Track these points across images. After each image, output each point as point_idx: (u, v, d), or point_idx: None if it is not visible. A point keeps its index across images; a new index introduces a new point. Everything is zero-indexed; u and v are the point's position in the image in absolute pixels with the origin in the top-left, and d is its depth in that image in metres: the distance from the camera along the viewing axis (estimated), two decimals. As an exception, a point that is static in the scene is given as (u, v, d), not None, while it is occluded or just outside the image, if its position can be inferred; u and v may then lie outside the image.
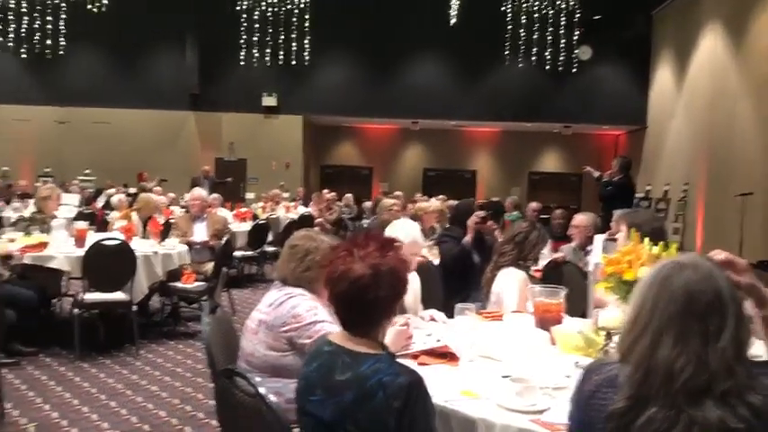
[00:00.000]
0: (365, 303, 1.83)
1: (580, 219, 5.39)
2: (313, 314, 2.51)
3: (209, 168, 16.55)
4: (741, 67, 13.16)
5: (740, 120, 13.04)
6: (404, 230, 3.34)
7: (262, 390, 1.93)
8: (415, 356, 2.55)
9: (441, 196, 14.17)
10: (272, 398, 2.45)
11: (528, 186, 20.47)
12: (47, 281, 5.84)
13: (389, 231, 3.36)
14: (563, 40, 17.27)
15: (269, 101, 17.96)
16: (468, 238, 5.17)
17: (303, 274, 2.65)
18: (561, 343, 2.71)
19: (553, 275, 4.74)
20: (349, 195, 14.88)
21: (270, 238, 9.58)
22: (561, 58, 17.38)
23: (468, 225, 5.17)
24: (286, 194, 14.81)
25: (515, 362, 2.49)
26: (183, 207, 10.14)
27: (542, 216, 9.24)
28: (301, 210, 13.45)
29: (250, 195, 14.65)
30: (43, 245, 5.58)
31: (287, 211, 12.14)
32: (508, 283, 3.64)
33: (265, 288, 8.83)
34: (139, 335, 5.65)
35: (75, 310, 5.32)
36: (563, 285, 4.75)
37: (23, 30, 17.09)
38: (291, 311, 2.54)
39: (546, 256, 4.59)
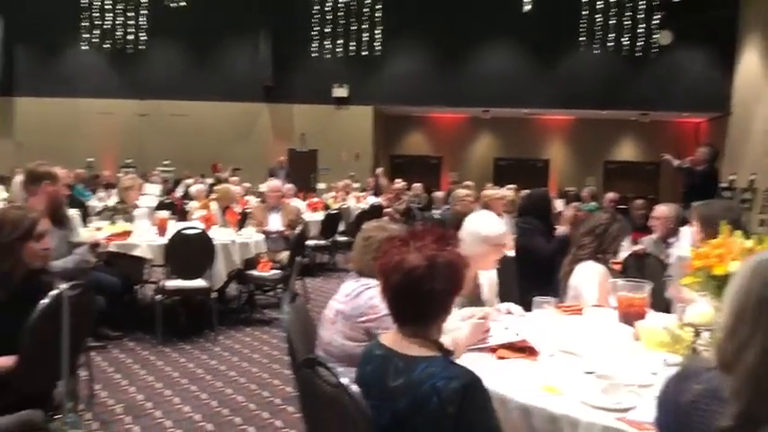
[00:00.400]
0: (420, 296, 1.77)
1: (662, 210, 5.19)
2: (390, 305, 2.51)
3: (285, 159, 16.82)
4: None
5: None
6: (487, 223, 3.25)
7: (344, 380, 1.92)
8: (493, 350, 2.52)
9: (511, 186, 13.97)
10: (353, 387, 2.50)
11: (603, 176, 19.91)
12: (130, 268, 6.08)
13: (469, 224, 3.30)
14: (642, 25, 16.68)
15: (340, 92, 18.09)
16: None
17: None
18: (646, 339, 2.61)
19: (634, 268, 4.61)
20: (418, 185, 14.84)
21: (341, 227, 9.67)
22: (640, 43, 16.80)
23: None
24: (356, 185, 14.90)
25: (598, 357, 2.42)
26: (258, 197, 10.34)
27: (620, 206, 8.96)
28: (371, 200, 13.52)
29: (321, 186, 14.80)
30: (127, 233, 5.79)
31: (357, 202, 12.22)
32: (587, 277, 3.54)
33: (337, 277, 9.01)
34: (218, 321, 5.81)
35: (158, 297, 5.52)
36: (644, 278, 4.66)
37: (107, 25, 17.80)
38: (369, 302, 2.55)
39: (626, 248, 4.46)
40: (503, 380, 2.18)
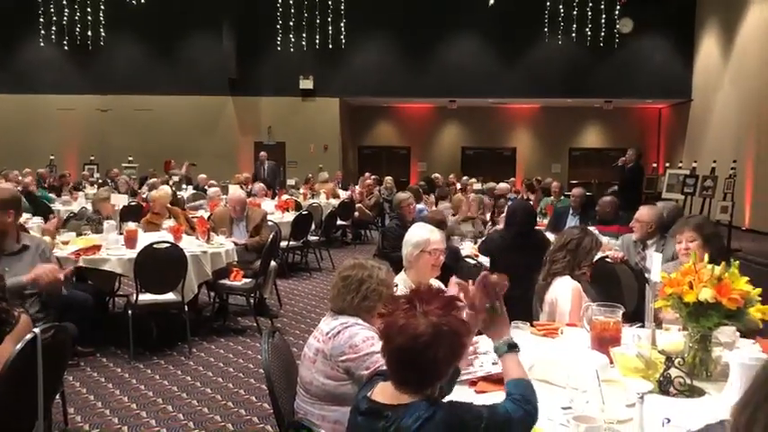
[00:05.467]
0: (422, 362, 1.78)
1: (643, 213, 5.26)
2: (370, 344, 2.52)
3: (266, 154, 16.39)
4: (793, 38, 12.67)
5: (792, 93, 12.60)
6: (419, 230, 3.51)
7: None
8: (473, 383, 2.55)
9: (473, 180, 14.07)
10: (332, 425, 2.51)
11: (569, 163, 20.18)
12: (102, 281, 6.01)
13: (411, 236, 3.46)
14: (604, 14, 16.87)
15: (306, 84, 17.98)
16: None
17: (362, 303, 2.64)
18: (620, 365, 2.67)
19: (603, 274, 4.67)
20: (389, 178, 14.88)
21: (312, 227, 9.63)
22: (602, 33, 16.99)
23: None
24: (325, 174, 14.78)
25: (575, 389, 2.46)
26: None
27: (588, 194, 9.12)
28: (341, 194, 13.48)
29: (291, 182, 14.71)
30: (96, 247, 5.69)
31: (327, 198, 12.18)
32: (562, 293, 3.60)
33: (309, 277, 8.99)
34: (191, 332, 5.77)
35: (129, 312, 5.45)
36: (613, 284, 4.74)
37: (65, 20, 17.36)
38: (349, 341, 2.55)
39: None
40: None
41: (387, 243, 6.16)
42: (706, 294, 2.56)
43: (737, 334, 2.95)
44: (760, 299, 2.62)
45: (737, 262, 2.68)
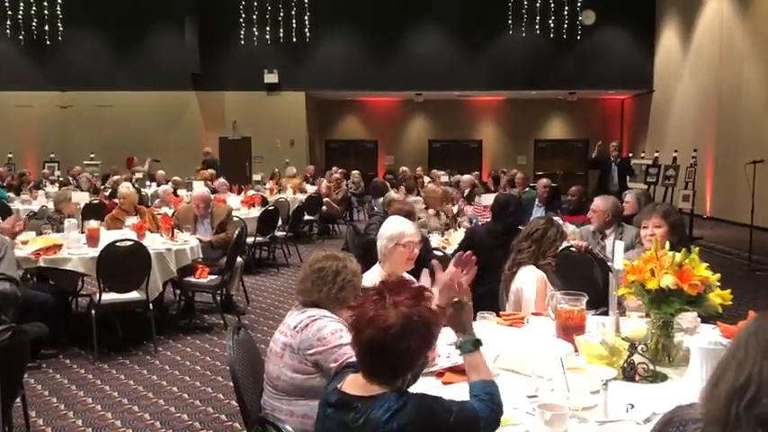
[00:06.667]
0: (393, 353, 1.78)
1: (599, 203, 5.35)
2: (338, 337, 2.51)
3: (210, 149, 16.37)
4: (748, 29, 12.96)
5: (748, 82, 12.90)
6: (393, 223, 3.49)
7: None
8: (440, 374, 2.55)
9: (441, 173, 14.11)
10: (300, 420, 2.50)
11: (534, 154, 20.37)
12: (64, 281, 5.89)
13: (385, 229, 3.46)
14: (566, 6, 17.05)
15: (271, 78, 17.84)
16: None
17: (339, 294, 2.63)
18: (585, 353, 2.70)
19: (567, 263, 4.72)
20: (356, 172, 14.85)
21: (279, 222, 9.56)
22: (565, 25, 17.17)
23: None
24: (293, 169, 14.70)
25: (540, 376, 2.48)
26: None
27: (553, 185, 9.22)
28: (308, 188, 13.42)
29: (257, 177, 14.59)
30: (57, 247, 5.57)
31: (294, 193, 12.11)
32: (527, 283, 3.62)
33: (277, 273, 8.92)
34: (156, 331, 5.69)
35: (93, 311, 5.34)
36: (577, 273, 4.79)
37: (21, 14, 16.94)
38: (317, 334, 2.54)
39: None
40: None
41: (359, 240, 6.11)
42: (667, 281, 2.59)
43: (698, 319, 3.01)
44: (719, 284, 2.67)
45: (697, 249, 2.73)
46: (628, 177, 11.80)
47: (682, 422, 1.43)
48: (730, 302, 2.65)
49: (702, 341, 2.44)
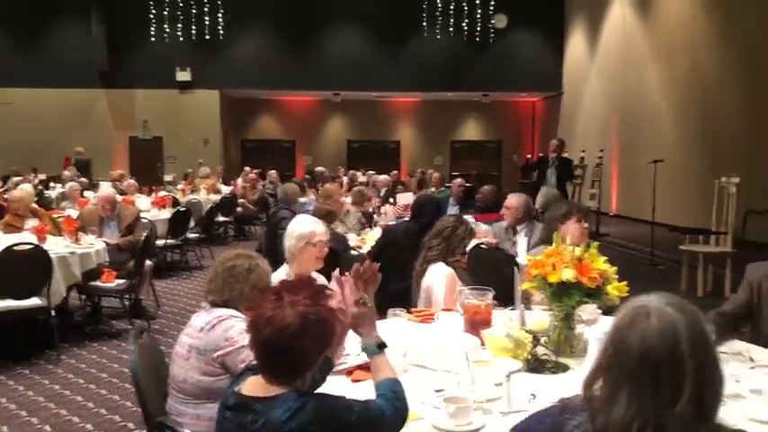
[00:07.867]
0: (290, 353, 1.76)
1: (511, 200, 5.54)
2: (245, 337, 2.46)
3: (83, 149, 15.64)
4: (649, 34, 13.62)
5: (649, 86, 13.55)
6: (301, 221, 3.49)
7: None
8: (349, 372, 2.55)
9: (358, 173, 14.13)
10: (207, 423, 2.44)
11: (450, 155, 20.73)
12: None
13: (294, 228, 3.43)
14: (479, 9, 17.43)
15: (183, 76, 17.40)
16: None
17: (252, 293, 2.58)
18: (491, 346, 2.76)
19: (478, 260, 4.82)
20: (273, 172, 14.67)
21: (192, 224, 9.32)
22: (478, 27, 17.55)
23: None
24: (206, 169, 14.37)
25: (447, 371, 2.52)
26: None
27: (467, 184, 9.43)
28: (223, 188, 13.17)
29: (168, 178, 14.17)
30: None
31: (208, 194, 11.84)
32: (437, 280, 3.67)
33: (189, 276, 8.70)
34: (60, 338, 5.43)
35: (-13, 319, 5.05)
36: (488, 270, 4.90)
37: None
38: (224, 335, 2.49)
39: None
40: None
41: None
42: (568, 274, 2.68)
43: (599, 312, 3.13)
44: (617, 277, 2.78)
45: (597, 243, 2.83)
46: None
47: (574, 410, 1.48)
48: (627, 294, 2.77)
49: (597, 332, 2.54)
